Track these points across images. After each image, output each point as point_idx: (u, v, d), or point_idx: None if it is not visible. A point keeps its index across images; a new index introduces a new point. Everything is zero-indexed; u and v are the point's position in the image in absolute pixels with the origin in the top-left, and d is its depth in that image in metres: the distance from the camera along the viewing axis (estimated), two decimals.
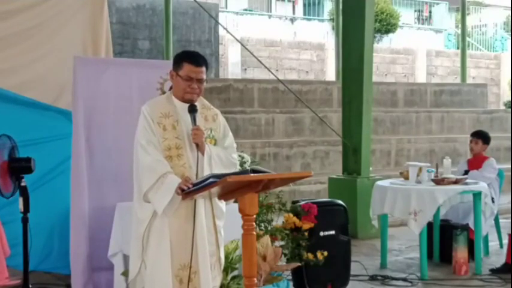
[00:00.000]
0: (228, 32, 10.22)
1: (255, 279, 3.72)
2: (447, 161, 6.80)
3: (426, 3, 24.62)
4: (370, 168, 8.65)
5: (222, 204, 3.95)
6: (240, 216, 3.67)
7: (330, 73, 16.60)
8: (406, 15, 22.46)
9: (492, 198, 6.82)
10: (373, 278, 6.23)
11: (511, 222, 6.83)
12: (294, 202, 5.86)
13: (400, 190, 6.39)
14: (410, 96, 14.30)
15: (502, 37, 23.40)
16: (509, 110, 14.96)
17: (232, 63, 15.91)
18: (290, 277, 5.64)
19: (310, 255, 5.46)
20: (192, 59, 3.88)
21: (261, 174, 4.26)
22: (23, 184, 5.12)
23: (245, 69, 16.06)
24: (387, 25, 20.20)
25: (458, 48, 19.23)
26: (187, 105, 3.87)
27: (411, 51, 18.46)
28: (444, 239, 6.83)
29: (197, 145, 3.78)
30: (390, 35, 20.70)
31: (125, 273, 4.66)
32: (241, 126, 11.23)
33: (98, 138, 5.33)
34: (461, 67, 15.73)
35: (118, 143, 5.23)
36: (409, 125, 13.38)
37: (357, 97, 8.41)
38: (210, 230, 3.87)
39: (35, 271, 5.66)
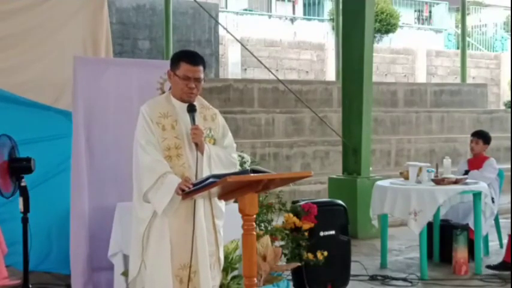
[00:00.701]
0: (228, 32, 10.22)
1: (255, 279, 3.72)
2: (447, 161, 6.80)
3: (426, 3, 24.62)
4: (370, 168, 8.65)
5: (221, 204, 3.95)
6: (240, 216, 3.67)
7: (330, 73, 16.60)
8: (406, 15, 22.46)
9: (492, 198, 6.82)
10: (373, 278, 6.23)
11: (511, 222, 6.82)
12: (294, 202, 5.86)
13: (400, 190, 6.39)
14: (410, 96, 14.30)
15: (502, 37, 23.40)
16: (509, 110, 14.96)
17: (232, 63, 15.91)
18: (290, 277, 5.64)
19: (310, 255, 5.46)
20: (189, 58, 3.88)
21: (261, 174, 4.26)
22: (23, 184, 5.12)
23: (245, 69, 16.05)
24: (387, 25, 20.20)
25: (458, 48, 19.23)
26: (186, 104, 3.87)
27: (411, 51, 18.46)
28: (444, 239, 6.83)
29: (196, 145, 3.78)
30: (390, 35, 20.70)
31: (125, 273, 4.66)
32: (241, 126, 11.23)
33: (98, 138, 5.33)
34: (461, 67, 15.73)
35: (118, 143, 5.22)
36: (409, 125, 13.38)
37: (357, 97, 8.41)
38: (209, 229, 3.88)
39: (34, 271, 5.65)
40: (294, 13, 22.30)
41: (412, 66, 18.33)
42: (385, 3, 20.33)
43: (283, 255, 5.34)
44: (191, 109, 3.85)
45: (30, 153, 5.19)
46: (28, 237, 5.09)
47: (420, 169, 6.57)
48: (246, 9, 20.61)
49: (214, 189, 3.63)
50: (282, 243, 5.41)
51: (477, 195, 6.44)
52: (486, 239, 7.19)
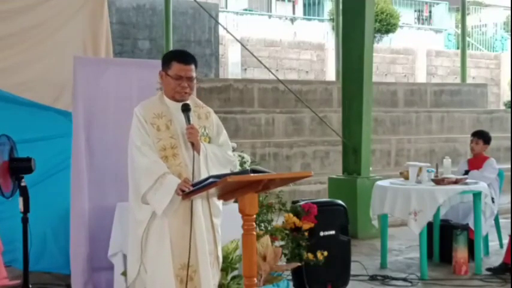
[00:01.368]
0: (228, 32, 10.22)
1: (255, 279, 3.72)
2: (447, 161, 6.80)
3: (426, 3, 24.63)
4: (370, 168, 8.65)
5: (218, 202, 3.95)
6: (240, 216, 3.67)
7: (330, 73, 16.60)
8: (406, 15, 22.46)
9: (492, 198, 6.82)
10: (373, 278, 6.23)
11: (511, 222, 6.82)
12: (294, 202, 5.86)
13: (400, 190, 6.39)
14: (410, 96, 14.30)
15: (502, 37, 23.40)
16: (509, 110, 14.96)
17: (232, 63, 15.91)
18: (290, 277, 5.64)
19: (310, 255, 5.46)
20: (180, 58, 3.88)
21: (261, 174, 4.26)
22: (23, 184, 5.12)
23: (245, 69, 16.06)
24: (387, 25, 20.20)
25: (458, 48, 19.23)
26: (179, 104, 3.86)
27: (411, 51, 18.46)
28: (444, 239, 6.83)
29: (192, 144, 3.78)
30: (390, 35, 20.69)
31: (125, 273, 4.65)
32: (241, 126, 11.23)
33: (98, 138, 5.33)
34: (461, 67, 15.73)
35: (118, 143, 5.21)
36: (409, 125, 13.38)
37: (357, 97, 8.41)
38: (208, 228, 3.87)
39: (34, 271, 5.65)
40: (294, 13, 22.30)
41: (412, 66, 18.33)
42: (385, 3, 20.33)
43: (283, 255, 5.34)
44: (185, 108, 3.84)
45: (29, 153, 5.19)
46: (28, 237, 5.09)
47: (420, 169, 6.57)
48: (246, 9, 20.61)
49: (213, 190, 3.63)
50: (282, 243, 5.41)
51: (477, 195, 6.44)
52: (486, 239, 7.19)
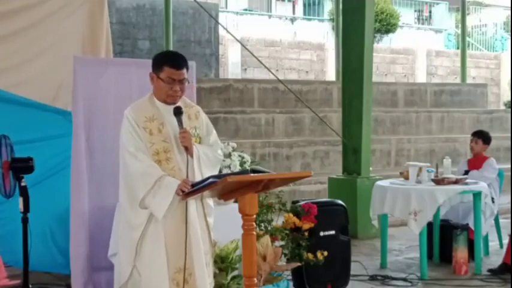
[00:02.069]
0: (228, 32, 10.22)
1: (255, 279, 3.72)
2: (447, 161, 6.80)
3: (426, 3, 24.63)
4: (370, 168, 8.65)
5: (210, 200, 3.94)
6: (240, 216, 3.67)
7: (330, 73, 16.60)
8: (406, 15, 22.46)
9: (492, 198, 6.82)
10: (373, 278, 6.23)
11: (511, 222, 6.82)
12: (294, 202, 5.86)
13: (400, 190, 6.39)
14: (410, 96, 14.30)
15: (502, 37, 23.40)
16: (509, 110, 14.96)
17: (232, 63, 15.91)
18: (290, 277, 5.64)
19: (310, 255, 5.46)
20: (172, 63, 3.80)
21: (261, 174, 4.26)
22: (23, 184, 5.11)
23: (245, 69, 16.05)
24: (387, 25, 20.20)
25: (458, 48, 19.22)
26: (170, 107, 3.82)
27: (411, 51, 18.46)
28: (444, 239, 6.83)
29: (186, 148, 3.74)
30: (390, 35, 20.70)
31: None
32: (241, 126, 11.23)
33: (98, 138, 5.32)
34: (461, 67, 15.73)
35: (118, 143, 5.20)
36: (409, 125, 13.38)
37: (357, 97, 8.41)
38: (203, 228, 3.87)
39: (34, 271, 5.65)
40: (294, 13, 22.30)
41: (412, 66, 18.33)
42: (385, 3, 20.33)
43: (283, 255, 5.34)
44: (178, 112, 3.79)
45: (28, 153, 5.17)
46: (28, 237, 5.09)
47: (420, 169, 6.57)
48: (246, 9, 20.61)
49: (208, 190, 3.62)
50: (282, 243, 5.41)
51: (477, 195, 6.44)
52: (486, 239, 7.19)
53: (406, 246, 7.63)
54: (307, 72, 17.00)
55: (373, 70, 8.74)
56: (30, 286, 5.19)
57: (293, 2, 22.79)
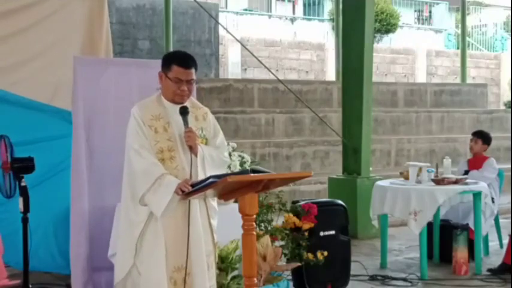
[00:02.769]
0: (228, 32, 10.22)
1: (255, 279, 3.72)
2: (447, 161, 6.80)
3: (426, 3, 24.63)
4: (370, 168, 8.65)
5: (214, 203, 3.94)
6: (240, 216, 3.67)
7: (330, 73, 16.60)
8: (406, 15, 22.46)
9: (492, 198, 6.82)
10: (373, 278, 6.23)
11: (511, 222, 6.82)
12: (294, 202, 5.86)
13: (400, 190, 6.39)
14: (410, 96, 14.30)
15: (502, 37, 23.40)
16: (509, 110, 14.96)
17: (232, 63, 15.91)
18: (290, 277, 5.64)
19: (310, 255, 5.46)
20: (181, 62, 3.83)
21: (261, 174, 4.26)
22: (23, 184, 5.11)
23: (245, 69, 16.05)
24: (387, 25, 20.20)
25: (458, 48, 19.23)
26: (177, 106, 3.84)
27: (411, 51, 18.46)
28: (444, 239, 6.83)
29: (190, 147, 3.75)
30: (390, 35, 20.70)
31: None
32: (241, 126, 11.23)
33: (98, 138, 5.32)
34: (461, 67, 15.73)
35: (118, 143, 5.18)
36: (409, 125, 13.38)
37: (357, 97, 8.41)
38: (206, 229, 3.87)
39: (34, 271, 5.65)
40: (294, 13, 22.30)
41: (412, 66, 18.33)
42: (385, 3, 20.33)
43: (283, 255, 5.34)
44: (184, 111, 3.81)
45: (29, 154, 5.18)
46: (28, 237, 5.09)
47: (420, 169, 6.57)
48: (246, 9, 20.61)
49: (210, 190, 3.62)
50: (282, 243, 5.41)
51: (477, 195, 6.44)
52: (486, 239, 7.19)
53: (406, 246, 7.63)
54: (307, 72, 17.00)
55: (373, 70, 8.74)
56: (30, 286, 5.20)
57: (293, 2, 22.79)
